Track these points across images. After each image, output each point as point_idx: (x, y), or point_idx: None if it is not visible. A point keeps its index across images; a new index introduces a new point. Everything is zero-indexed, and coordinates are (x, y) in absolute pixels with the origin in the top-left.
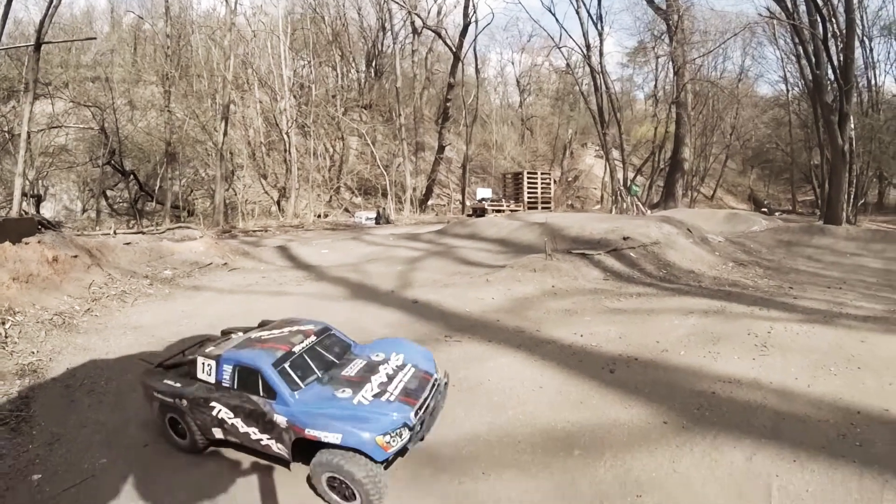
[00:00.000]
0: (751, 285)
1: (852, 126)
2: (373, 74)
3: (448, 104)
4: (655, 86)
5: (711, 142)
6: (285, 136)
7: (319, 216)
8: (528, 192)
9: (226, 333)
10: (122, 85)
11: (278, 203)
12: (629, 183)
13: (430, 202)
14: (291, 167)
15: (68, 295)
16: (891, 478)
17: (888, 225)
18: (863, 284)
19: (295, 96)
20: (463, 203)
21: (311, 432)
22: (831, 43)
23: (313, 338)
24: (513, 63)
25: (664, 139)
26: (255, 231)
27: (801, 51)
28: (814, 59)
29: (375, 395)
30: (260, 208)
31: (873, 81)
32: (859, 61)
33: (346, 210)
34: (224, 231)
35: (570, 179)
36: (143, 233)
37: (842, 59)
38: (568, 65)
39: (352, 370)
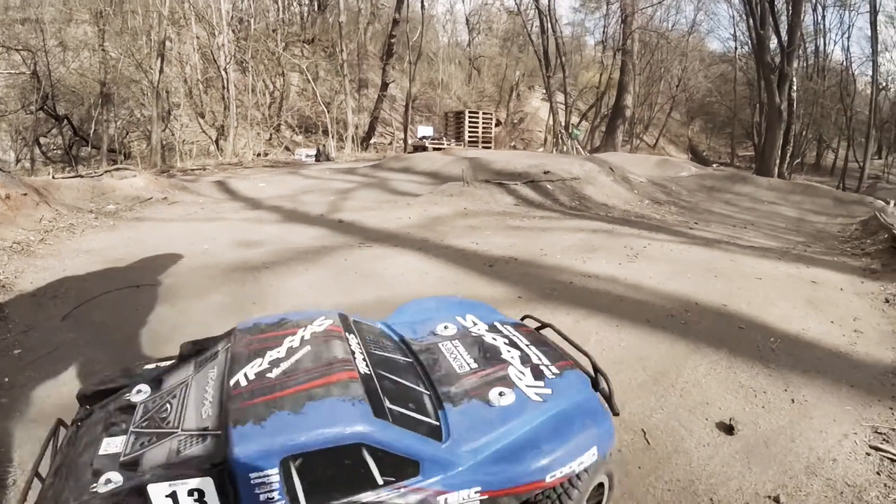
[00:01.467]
0: (657, 218)
1: (794, 88)
2: (316, 8)
3: (393, 40)
4: (604, 32)
5: (657, 91)
6: (223, 73)
7: (259, 154)
8: (470, 132)
9: (98, 397)
10: (54, 25)
11: (217, 142)
12: (571, 127)
13: (372, 140)
14: (230, 105)
15: (22, 228)
16: (703, 346)
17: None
18: (769, 227)
19: (234, 31)
20: (405, 141)
21: (554, 476)
22: (783, 6)
23: (353, 336)
24: (463, 1)
25: (608, 86)
26: (193, 170)
27: (749, 10)
28: (759, 19)
29: (538, 377)
30: (198, 148)
31: (822, 48)
32: (810, 27)
33: (287, 148)
34: (162, 171)
35: (515, 121)
36: (82, 177)
37: (789, 21)
38: (517, 6)
39: (455, 360)
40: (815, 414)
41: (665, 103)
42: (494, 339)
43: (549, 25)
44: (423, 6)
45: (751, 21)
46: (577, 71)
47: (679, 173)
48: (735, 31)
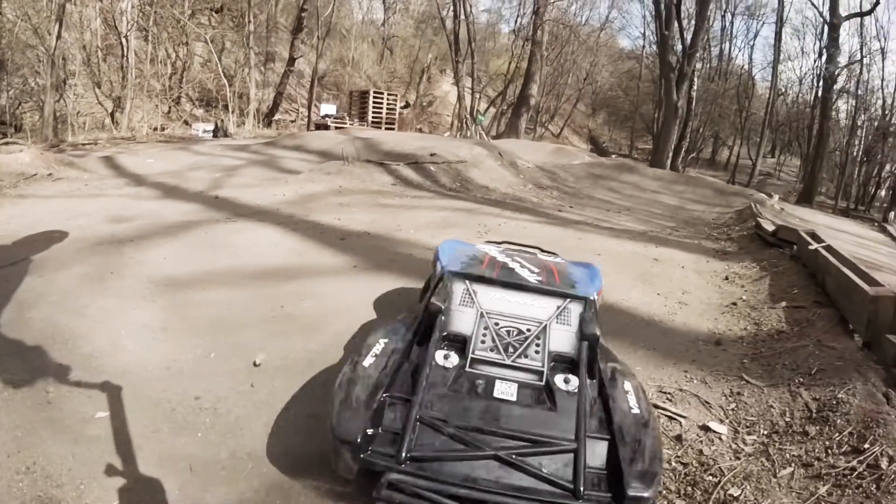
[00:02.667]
0: (533, 201)
1: (695, 87)
2: None
3: (304, 14)
4: (517, 21)
5: (564, 83)
6: (123, 40)
7: (155, 129)
8: (374, 112)
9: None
10: None
11: (112, 115)
12: (476, 113)
13: (276, 116)
14: (128, 74)
15: None
16: None
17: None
18: (645, 213)
19: None
20: (309, 119)
21: (602, 287)
22: (693, 10)
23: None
24: None
25: (515, 74)
26: (83, 145)
27: (657, 10)
28: (664, 20)
29: (552, 255)
30: (92, 121)
31: (727, 53)
32: (717, 32)
33: (186, 122)
34: (52, 146)
35: (424, 104)
36: None
37: (693, 25)
38: None
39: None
40: None
41: (571, 95)
42: (514, 248)
43: (463, 10)
44: None
45: (658, 21)
46: (489, 58)
47: (572, 161)
48: (645, 31)
